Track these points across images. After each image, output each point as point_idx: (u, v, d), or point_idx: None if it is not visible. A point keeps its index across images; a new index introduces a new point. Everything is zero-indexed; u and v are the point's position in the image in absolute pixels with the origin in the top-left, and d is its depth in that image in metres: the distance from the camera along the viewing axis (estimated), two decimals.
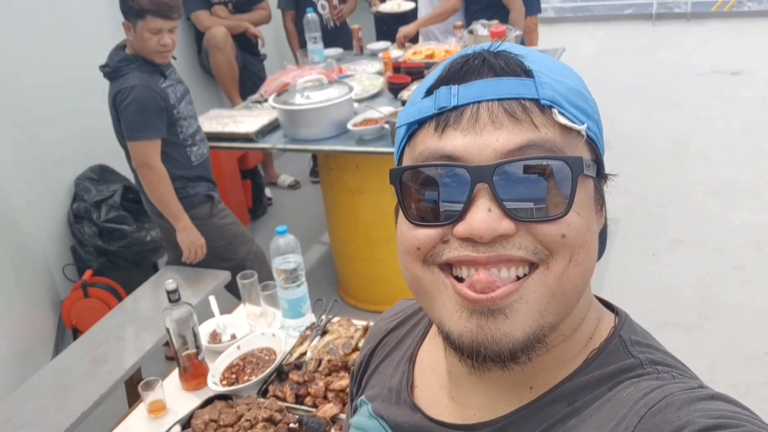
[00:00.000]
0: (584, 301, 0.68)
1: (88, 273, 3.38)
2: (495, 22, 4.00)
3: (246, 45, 4.52)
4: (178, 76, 2.87)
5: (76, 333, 3.27)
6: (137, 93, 2.64)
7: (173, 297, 1.94)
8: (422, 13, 4.52)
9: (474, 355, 0.61)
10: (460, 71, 0.64)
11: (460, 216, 0.60)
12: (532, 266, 0.61)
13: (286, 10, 4.79)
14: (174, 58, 2.79)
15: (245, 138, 3.23)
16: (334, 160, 3.32)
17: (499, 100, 0.61)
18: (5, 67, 3.25)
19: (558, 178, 0.60)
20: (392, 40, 4.42)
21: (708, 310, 3.26)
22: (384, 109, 3.15)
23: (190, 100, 2.88)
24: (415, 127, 0.66)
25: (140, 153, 2.73)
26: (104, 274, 3.45)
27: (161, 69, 2.74)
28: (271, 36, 4.98)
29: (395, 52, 4.04)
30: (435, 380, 0.77)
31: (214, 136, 3.24)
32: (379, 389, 0.83)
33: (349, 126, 3.09)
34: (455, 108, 0.62)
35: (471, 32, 3.94)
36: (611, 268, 3.63)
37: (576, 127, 0.62)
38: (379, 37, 4.87)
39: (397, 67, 3.75)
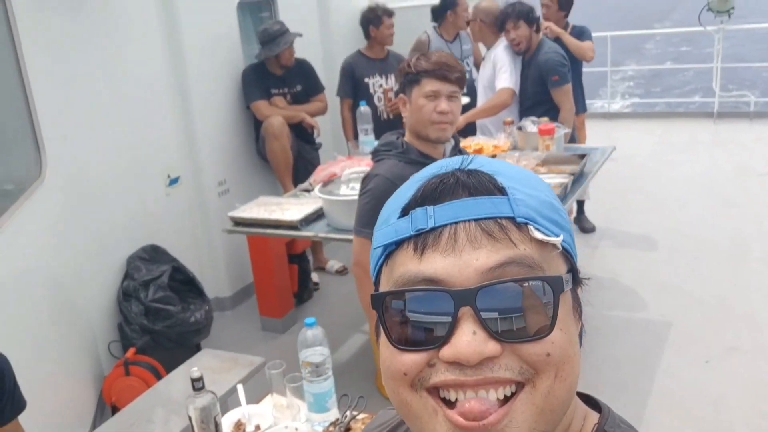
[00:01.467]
0: (569, 409, 0.68)
1: (131, 351, 3.44)
2: (545, 119, 4.04)
3: (302, 134, 4.68)
4: None
5: (115, 410, 3.30)
6: (376, 183, 2.41)
7: (197, 385, 1.96)
8: (480, 100, 4.62)
9: None
10: (435, 191, 0.65)
11: (446, 340, 0.61)
12: (518, 385, 0.62)
13: (345, 98, 4.96)
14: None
15: (290, 226, 3.29)
16: None
17: (476, 220, 0.62)
18: (71, 148, 3.43)
19: (539, 297, 0.61)
20: None
21: (765, 426, 3.06)
22: None
23: None
24: (393, 248, 0.66)
25: (357, 249, 2.52)
26: (147, 353, 3.51)
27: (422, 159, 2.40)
28: (328, 125, 5.14)
29: None
30: None
31: (260, 223, 3.32)
32: None
33: None
34: (433, 229, 0.63)
35: (520, 128, 3.98)
36: (660, 376, 3.47)
37: (552, 240, 0.64)
38: None
39: None
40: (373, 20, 4.87)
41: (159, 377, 3.29)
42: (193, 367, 2.84)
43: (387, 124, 4.88)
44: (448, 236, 0.62)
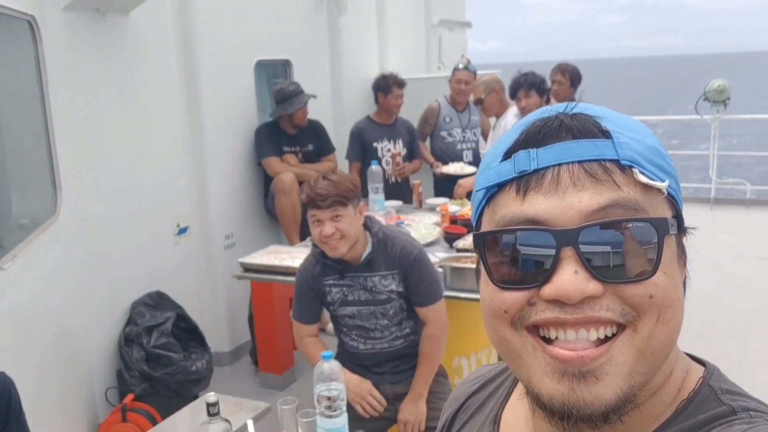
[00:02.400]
0: (672, 355, 0.67)
1: (129, 397, 3.37)
2: None
3: None
4: (373, 283, 2.63)
5: None
6: (296, 277, 2.75)
7: (212, 410, 1.92)
8: None
9: (566, 418, 0.61)
10: (538, 135, 0.65)
11: (547, 278, 0.61)
12: (619, 327, 0.61)
13: (353, 161, 5.05)
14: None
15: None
16: None
17: (579, 162, 0.62)
18: (87, 189, 3.48)
19: (643, 239, 0.60)
20: (451, 198, 4.57)
21: None
22: (439, 255, 3.20)
23: (372, 312, 2.66)
24: (495, 191, 0.66)
25: (295, 328, 2.77)
26: (145, 400, 3.43)
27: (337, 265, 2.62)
28: None
29: (453, 207, 4.16)
30: None
31: (270, 270, 3.32)
32: None
33: None
34: (535, 171, 0.63)
35: None
36: None
37: (657, 185, 0.63)
38: (438, 195, 5.04)
39: (453, 220, 3.84)
40: (383, 88, 5.03)
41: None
42: (195, 408, 2.80)
43: (395, 188, 4.96)
44: (551, 178, 0.62)
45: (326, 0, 5.37)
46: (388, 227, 2.77)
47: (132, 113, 3.75)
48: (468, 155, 5.21)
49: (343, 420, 2.09)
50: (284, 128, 4.66)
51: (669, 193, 0.65)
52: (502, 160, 0.67)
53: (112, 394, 3.60)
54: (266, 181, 4.66)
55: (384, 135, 5.10)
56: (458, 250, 3.35)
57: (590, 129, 0.64)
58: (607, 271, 0.60)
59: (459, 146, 5.24)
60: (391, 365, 2.74)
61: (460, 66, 5.16)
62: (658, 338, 0.61)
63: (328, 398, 2.07)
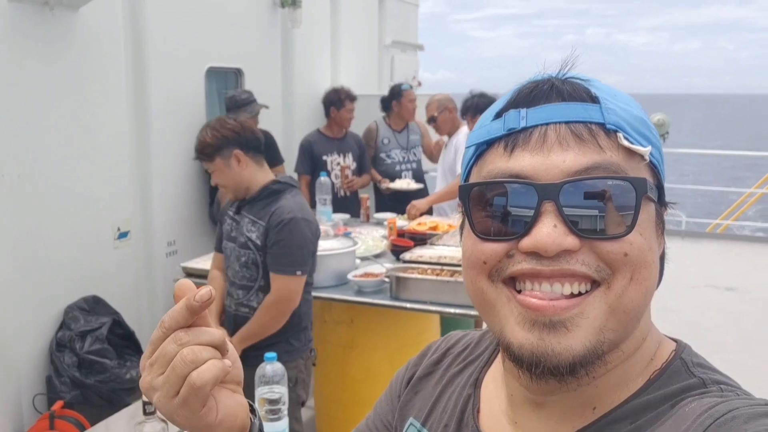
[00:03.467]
0: (645, 323, 0.69)
1: (58, 404, 3.22)
2: None
3: None
4: (243, 224, 2.75)
5: None
6: None
7: (149, 409, 1.86)
8: (438, 187, 4.75)
9: (533, 367, 0.63)
10: (529, 95, 0.67)
11: (527, 231, 0.63)
12: (594, 284, 0.63)
13: (303, 174, 5.03)
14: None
15: None
16: (329, 312, 3.30)
17: (566, 122, 0.64)
18: (22, 189, 3.34)
19: (622, 199, 0.62)
20: (398, 213, 4.58)
21: None
22: (387, 265, 3.20)
23: (233, 251, 2.80)
24: (484, 148, 0.69)
25: (295, 288, 2.72)
26: (75, 408, 3.29)
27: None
28: None
29: (401, 222, 4.18)
30: (498, 405, 0.77)
31: None
32: (436, 410, 0.84)
33: (350, 276, 3.11)
34: (524, 129, 0.65)
35: None
36: None
37: (640, 150, 0.65)
38: (383, 210, 5.05)
39: (401, 233, 3.86)
40: (336, 102, 5.04)
41: None
42: (133, 414, 2.70)
43: (343, 201, 4.95)
44: (538, 136, 0.64)
45: (281, 11, 5.36)
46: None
47: (76, 113, 3.63)
48: (408, 176, 5.22)
49: (283, 425, 2.04)
50: None
51: (651, 162, 0.66)
52: (493, 119, 0.69)
53: (41, 401, 3.45)
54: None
55: (334, 148, 5.10)
56: (405, 262, 3.35)
57: (579, 93, 0.66)
58: (585, 227, 0.62)
59: (398, 167, 5.25)
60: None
61: (410, 86, 5.21)
62: (630, 297, 0.63)
63: (270, 401, 2.03)
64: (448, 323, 3.71)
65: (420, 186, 4.99)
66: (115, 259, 3.94)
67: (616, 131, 0.64)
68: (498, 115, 0.68)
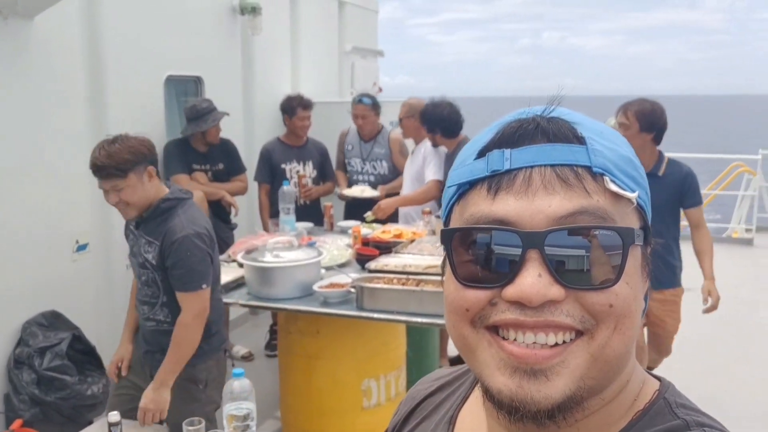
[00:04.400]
0: (629, 366, 0.68)
1: (17, 422, 3.15)
2: None
3: (219, 212, 4.65)
4: (141, 244, 2.72)
5: None
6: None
7: (114, 430, 1.84)
8: (406, 190, 4.76)
9: (512, 412, 0.63)
10: (514, 135, 0.66)
11: (510, 279, 0.62)
12: (577, 333, 0.62)
13: (262, 182, 4.99)
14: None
15: None
16: (295, 323, 3.30)
17: (551, 165, 0.63)
18: None
19: (608, 247, 0.62)
20: (361, 221, 4.59)
21: None
22: (352, 275, 3.20)
23: (137, 268, 2.79)
24: (466, 188, 0.68)
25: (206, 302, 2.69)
26: (35, 426, 3.22)
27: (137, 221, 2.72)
28: (245, 207, 5.13)
29: (365, 229, 4.19)
30: None
31: None
32: None
33: (315, 287, 3.11)
34: (508, 171, 0.64)
35: (438, 217, 4.13)
36: None
37: (627, 195, 0.64)
38: (348, 218, 5.05)
39: (366, 242, 3.87)
40: (288, 110, 5.03)
41: None
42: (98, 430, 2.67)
43: (305, 209, 4.94)
44: (523, 179, 0.63)
45: (241, 18, 5.33)
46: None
47: (31, 122, 3.56)
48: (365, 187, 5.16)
49: None
50: (194, 146, 4.57)
51: (638, 204, 0.66)
52: (476, 158, 0.68)
53: None
54: None
55: (293, 156, 5.08)
56: (370, 271, 3.36)
57: (566, 134, 0.65)
58: (570, 277, 0.61)
59: (355, 176, 5.22)
60: (146, 346, 2.80)
61: (357, 99, 5.14)
62: (613, 347, 0.63)
63: (238, 417, 2.03)
64: (414, 333, 3.73)
65: (375, 193, 4.96)
66: (73, 272, 3.86)
67: (602, 174, 0.63)
68: (481, 154, 0.67)
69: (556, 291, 0.61)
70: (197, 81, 4.96)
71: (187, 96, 4.97)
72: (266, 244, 3.35)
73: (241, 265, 3.40)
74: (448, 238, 0.67)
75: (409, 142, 5.15)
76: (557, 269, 0.61)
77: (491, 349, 0.64)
